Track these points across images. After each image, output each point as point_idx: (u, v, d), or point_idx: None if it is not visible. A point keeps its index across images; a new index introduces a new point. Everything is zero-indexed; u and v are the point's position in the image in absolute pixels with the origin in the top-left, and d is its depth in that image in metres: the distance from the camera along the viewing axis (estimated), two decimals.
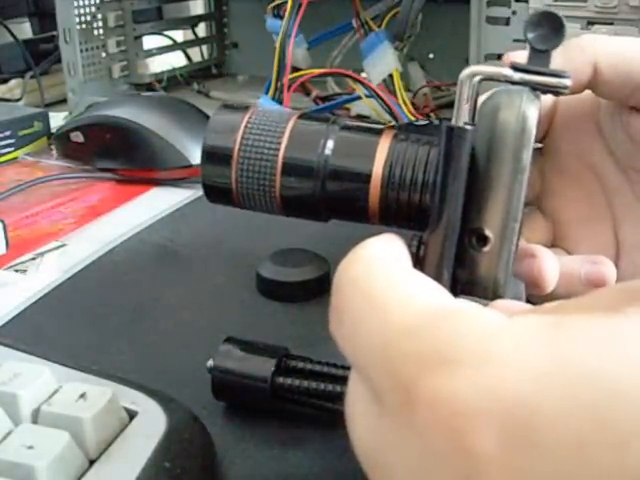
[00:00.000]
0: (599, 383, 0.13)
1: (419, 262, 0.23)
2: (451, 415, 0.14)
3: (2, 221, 0.42)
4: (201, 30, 0.92)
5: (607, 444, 0.13)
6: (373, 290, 0.18)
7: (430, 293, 0.18)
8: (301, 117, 0.27)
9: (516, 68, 0.23)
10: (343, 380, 0.28)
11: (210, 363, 0.29)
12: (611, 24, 0.54)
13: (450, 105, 0.70)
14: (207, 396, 0.29)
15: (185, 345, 0.34)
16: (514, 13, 0.59)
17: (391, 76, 0.63)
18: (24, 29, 0.94)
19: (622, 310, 0.15)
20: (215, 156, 0.27)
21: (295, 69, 0.63)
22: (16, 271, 0.42)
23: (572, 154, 0.31)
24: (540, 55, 0.23)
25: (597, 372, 0.14)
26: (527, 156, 0.22)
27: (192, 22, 0.91)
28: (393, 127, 0.59)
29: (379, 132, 0.26)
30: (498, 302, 0.21)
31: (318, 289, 0.38)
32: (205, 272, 0.42)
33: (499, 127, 0.22)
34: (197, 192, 0.55)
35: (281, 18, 0.62)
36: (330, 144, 0.26)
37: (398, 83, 0.63)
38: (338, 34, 0.69)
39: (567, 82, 0.23)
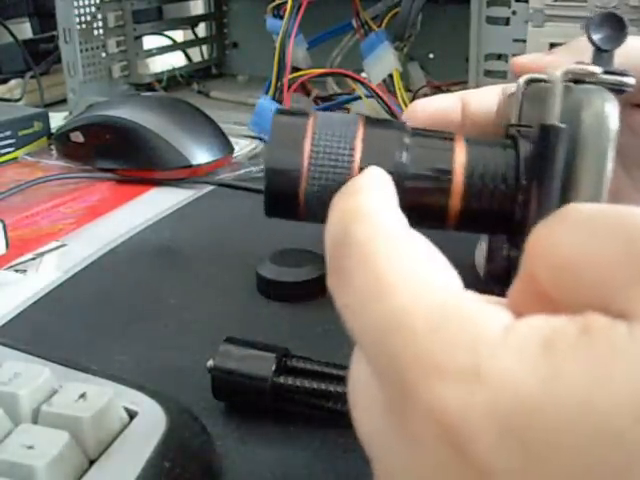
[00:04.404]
0: (590, 418, 0.13)
1: (511, 264, 0.23)
2: (447, 429, 0.14)
3: (2, 221, 0.42)
4: (201, 30, 0.92)
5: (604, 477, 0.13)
6: (380, 267, 0.17)
7: (441, 282, 0.17)
8: (368, 125, 0.25)
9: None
10: (343, 380, 0.28)
11: (210, 363, 0.29)
12: None
13: None
14: (207, 396, 0.29)
15: (185, 345, 0.34)
16: (514, 13, 0.59)
17: (391, 76, 0.63)
18: (24, 29, 0.94)
19: (631, 314, 0.14)
20: (281, 173, 0.25)
21: (295, 69, 0.63)
22: (16, 271, 0.42)
23: None
24: (603, 55, 0.24)
25: (588, 406, 0.13)
26: (611, 155, 0.22)
27: (192, 22, 0.91)
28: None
29: (450, 136, 0.25)
30: None
31: (318, 289, 0.38)
32: (205, 272, 0.42)
33: (583, 127, 0.22)
34: (197, 192, 0.55)
35: (281, 18, 0.62)
36: (405, 153, 0.25)
37: (398, 83, 0.63)
38: (338, 34, 0.69)
39: (631, 80, 0.24)
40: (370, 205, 0.19)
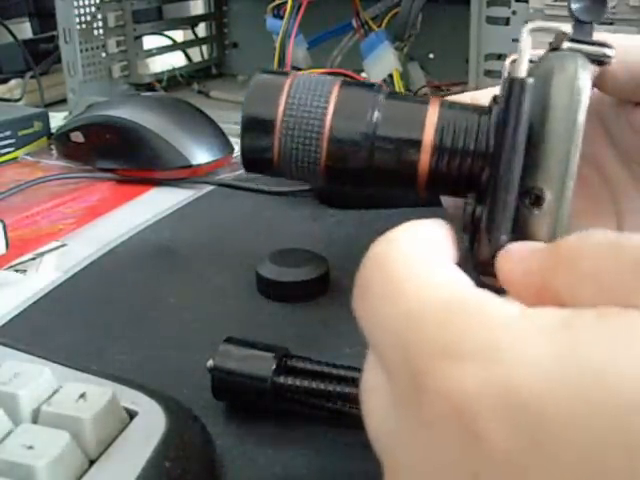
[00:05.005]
0: (605, 390, 0.13)
1: (476, 224, 0.23)
2: (460, 410, 0.15)
3: (2, 221, 0.42)
4: (201, 30, 0.92)
5: (616, 450, 0.13)
6: (394, 271, 0.18)
7: (448, 280, 0.18)
8: (344, 84, 0.26)
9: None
10: (343, 380, 0.28)
11: (210, 363, 0.29)
12: (611, 24, 0.54)
13: None
14: (207, 396, 0.29)
15: (185, 345, 0.34)
16: (514, 13, 0.59)
17: (391, 76, 0.63)
18: (24, 29, 0.94)
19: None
20: (256, 123, 0.26)
21: (295, 69, 0.63)
22: (16, 271, 0.42)
23: None
24: (583, 26, 0.24)
25: (604, 379, 0.13)
26: (582, 117, 0.22)
27: (192, 22, 0.91)
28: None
29: (426, 100, 0.26)
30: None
31: (318, 289, 0.38)
32: (205, 272, 0.42)
33: (555, 89, 0.22)
34: (197, 192, 0.55)
35: (281, 18, 0.62)
36: (378, 112, 0.25)
37: (398, 83, 0.63)
38: (338, 34, 0.69)
39: (611, 52, 0.24)
40: (398, 233, 0.20)
